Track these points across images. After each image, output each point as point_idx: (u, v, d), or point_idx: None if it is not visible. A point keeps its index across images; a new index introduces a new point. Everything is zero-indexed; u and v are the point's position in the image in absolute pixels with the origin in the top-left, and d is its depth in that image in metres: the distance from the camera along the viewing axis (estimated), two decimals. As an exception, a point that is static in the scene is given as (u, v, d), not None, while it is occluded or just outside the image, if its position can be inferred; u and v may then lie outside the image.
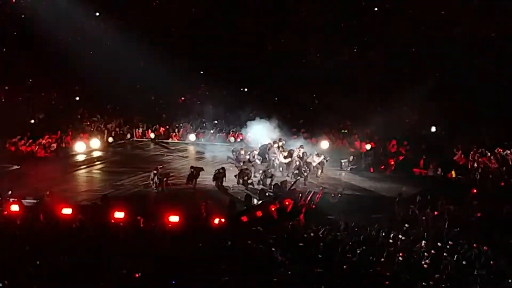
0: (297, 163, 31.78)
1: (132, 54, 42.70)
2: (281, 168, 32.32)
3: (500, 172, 32.04)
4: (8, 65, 42.36)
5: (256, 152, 32.76)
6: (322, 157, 32.64)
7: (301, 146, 33.39)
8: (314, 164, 32.20)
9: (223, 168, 30.76)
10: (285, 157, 32.47)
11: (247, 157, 32.06)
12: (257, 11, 46.26)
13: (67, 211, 24.18)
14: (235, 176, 30.74)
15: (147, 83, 44.37)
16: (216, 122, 42.33)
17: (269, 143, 33.67)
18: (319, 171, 32.37)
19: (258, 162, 32.32)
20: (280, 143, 33.61)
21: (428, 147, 35.86)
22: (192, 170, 30.55)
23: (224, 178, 30.27)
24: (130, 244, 20.35)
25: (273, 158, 32.58)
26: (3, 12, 43.49)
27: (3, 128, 37.29)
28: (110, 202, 25.72)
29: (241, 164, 31.47)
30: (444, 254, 19.62)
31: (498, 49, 41.73)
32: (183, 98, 47.04)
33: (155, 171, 29.93)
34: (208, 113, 43.12)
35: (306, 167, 31.74)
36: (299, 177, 30.91)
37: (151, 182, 29.82)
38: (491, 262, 19.02)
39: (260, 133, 35.78)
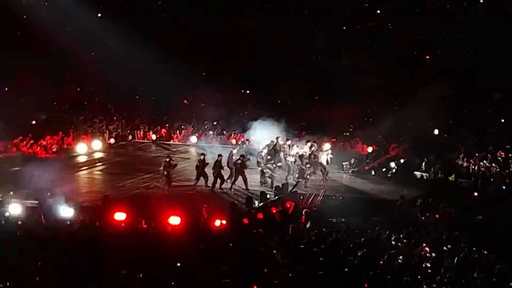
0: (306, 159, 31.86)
1: (134, 55, 42.70)
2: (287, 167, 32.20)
3: (501, 176, 32.03)
4: (10, 65, 42.35)
5: (266, 151, 32.67)
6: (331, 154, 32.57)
7: (308, 141, 33.31)
8: (324, 162, 32.21)
9: (220, 155, 30.65)
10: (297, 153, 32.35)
11: (237, 156, 31.62)
12: (259, 12, 46.28)
13: (68, 212, 24.24)
14: (227, 180, 30.73)
15: (149, 85, 44.35)
16: (215, 123, 42.33)
17: (272, 141, 33.61)
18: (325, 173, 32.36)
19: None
20: (288, 142, 33.55)
21: (430, 149, 35.84)
22: (203, 157, 30.54)
23: (221, 164, 30.20)
24: (131, 245, 20.34)
25: (288, 157, 32.37)
26: (5, 13, 43.48)
27: (5, 129, 37.38)
28: (111, 203, 25.73)
29: (233, 165, 31.12)
30: (445, 257, 19.63)
31: (502, 51, 41.72)
32: (185, 101, 47.04)
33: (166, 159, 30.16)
34: (210, 114, 43.13)
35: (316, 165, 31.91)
36: (300, 180, 30.92)
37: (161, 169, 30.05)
38: (492, 265, 19.02)
39: (262, 134, 35.74)
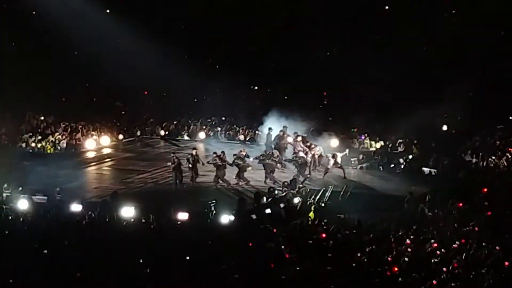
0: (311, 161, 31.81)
1: (143, 51, 42.70)
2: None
3: (510, 172, 31.92)
4: (18, 62, 42.44)
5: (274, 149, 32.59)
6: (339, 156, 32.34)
7: (315, 145, 33.27)
8: (329, 166, 32.04)
9: (223, 152, 30.75)
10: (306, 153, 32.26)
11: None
12: (267, 8, 46.19)
13: (76, 207, 24.30)
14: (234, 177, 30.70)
15: (157, 81, 44.33)
16: (224, 119, 42.30)
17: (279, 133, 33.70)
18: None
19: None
20: (299, 139, 33.54)
21: (439, 145, 35.71)
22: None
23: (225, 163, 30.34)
24: (139, 240, 20.39)
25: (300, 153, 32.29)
26: (14, 9, 43.56)
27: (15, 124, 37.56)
28: (120, 199, 25.77)
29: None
30: (453, 253, 19.60)
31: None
32: (194, 97, 46.97)
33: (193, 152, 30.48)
34: (218, 111, 43.08)
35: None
36: (308, 175, 30.88)
37: (187, 162, 30.28)
38: (500, 261, 18.99)
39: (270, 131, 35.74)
